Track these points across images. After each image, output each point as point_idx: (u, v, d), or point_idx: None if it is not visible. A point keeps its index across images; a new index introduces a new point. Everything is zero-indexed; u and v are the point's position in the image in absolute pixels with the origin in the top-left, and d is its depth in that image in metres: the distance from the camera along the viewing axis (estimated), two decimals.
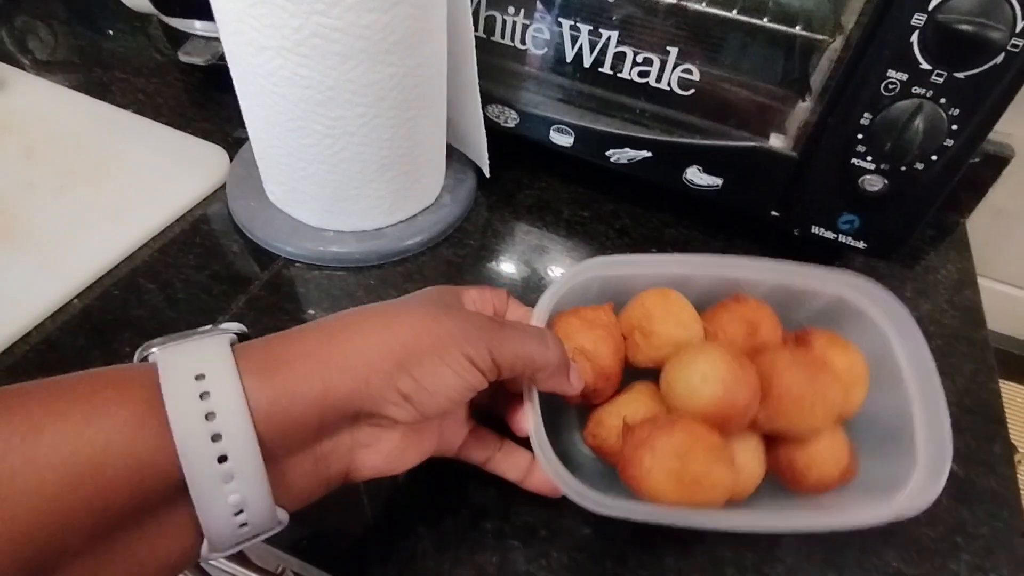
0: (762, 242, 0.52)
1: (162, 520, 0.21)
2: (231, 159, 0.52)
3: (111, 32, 0.69)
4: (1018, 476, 0.58)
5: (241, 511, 0.21)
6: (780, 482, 0.32)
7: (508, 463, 0.32)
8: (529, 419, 0.30)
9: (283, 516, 0.23)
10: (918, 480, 0.30)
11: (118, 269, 0.44)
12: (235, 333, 0.25)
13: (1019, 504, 0.38)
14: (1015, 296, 0.62)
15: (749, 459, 0.31)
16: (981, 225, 0.58)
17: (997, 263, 0.60)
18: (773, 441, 0.32)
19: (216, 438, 0.20)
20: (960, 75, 0.37)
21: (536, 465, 0.31)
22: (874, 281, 0.34)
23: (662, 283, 0.35)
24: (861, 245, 0.46)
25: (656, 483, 0.27)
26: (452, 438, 0.31)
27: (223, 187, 0.50)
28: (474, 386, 0.26)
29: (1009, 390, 0.64)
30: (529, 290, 0.47)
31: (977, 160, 0.54)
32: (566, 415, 0.37)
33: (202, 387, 0.21)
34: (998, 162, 0.54)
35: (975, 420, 0.42)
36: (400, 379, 0.24)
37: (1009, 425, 0.60)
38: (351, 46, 0.36)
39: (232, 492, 0.21)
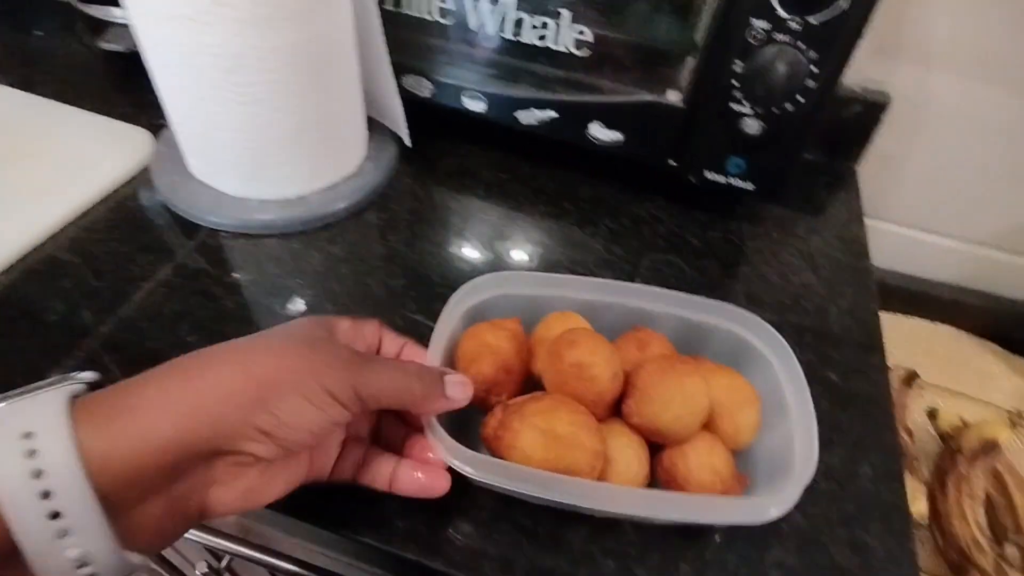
0: (666, 192, 0.56)
1: None
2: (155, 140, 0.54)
3: (40, 32, 0.69)
4: (915, 396, 0.63)
5: (85, 564, 0.21)
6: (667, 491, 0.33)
7: (374, 472, 0.31)
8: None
9: (137, 559, 0.23)
10: (787, 491, 0.30)
11: (43, 246, 0.45)
12: (87, 382, 0.25)
13: (890, 404, 0.43)
14: (903, 235, 0.67)
15: (625, 452, 0.32)
16: (871, 172, 0.64)
17: (887, 206, 0.65)
18: (659, 450, 0.33)
19: (46, 495, 0.20)
20: (814, 21, 0.41)
21: (402, 469, 0.31)
22: (763, 322, 0.36)
23: (571, 308, 0.37)
24: (750, 187, 0.50)
25: (524, 441, 0.30)
26: (323, 463, 0.31)
27: (148, 168, 0.52)
28: (336, 420, 0.26)
29: (895, 320, 0.69)
30: (453, 249, 0.49)
31: (859, 109, 0.59)
32: (475, 423, 0.36)
33: (29, 445, 0.21)
34: (877, 108, 0.58)
35: (856, 335, 0.47)
36: (258, 415, 0.24)
37: (901, 352, 0.65)
38: (252, 12, 0.38)
39: (70, 547, 0.21)
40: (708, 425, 0.33)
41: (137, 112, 0.57)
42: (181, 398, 0.24)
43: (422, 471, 0.31)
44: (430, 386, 0.29)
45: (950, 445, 0.59)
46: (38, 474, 0.20)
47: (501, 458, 0.30)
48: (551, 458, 0.29)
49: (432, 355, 0.33)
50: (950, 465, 0.57)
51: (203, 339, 0.41)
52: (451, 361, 0.35)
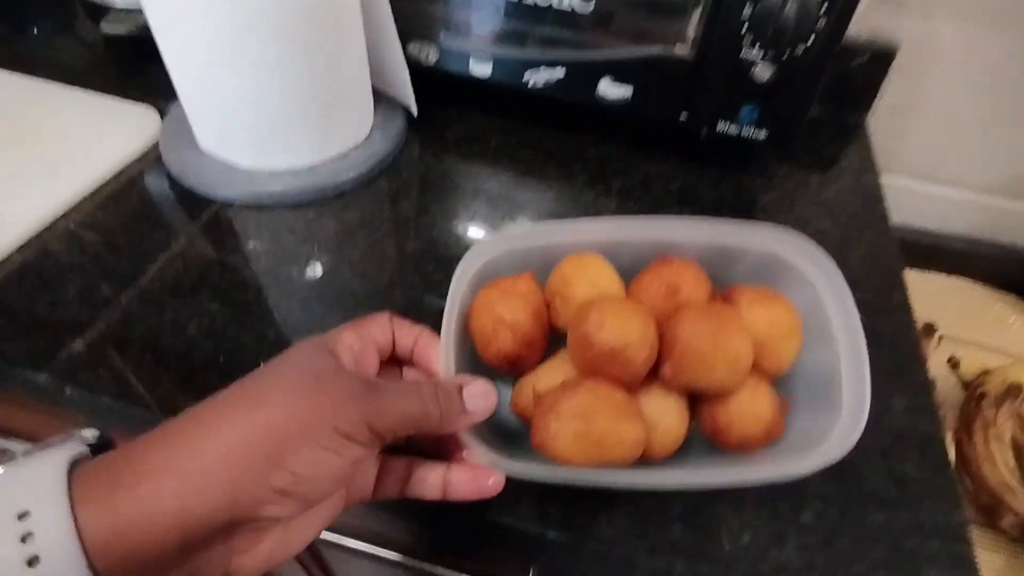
0: (676, 150, 0.55)
1: None
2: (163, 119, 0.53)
3: (36, 30, 0.68)
4: (934, 348, 0.63)
5: None
6: (709, 441, 0.32)
7: (425, 484, 0.29)
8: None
9: None
10: (840, 430, 0.30)
11: (56, 224, 0.45)
12: (90, 443, 0.23)
13: (916, 342, 0.42)
14: (914, 188, 0.67)
15: (665, 416, 0.30)
16: (880, 125, 0.63)
17: (897, 158, 0.65)
18: (698, 401, 0.32)
19: None
20: None
21: (453, 473, 0.29)
22: (803, 236, 0.34)
23: (589, 249, 0.35)
24: (763, 135, 0.49)
25: (563, 445, 0.28)
26: (362, 487, 0.29)
27: (157, 145, 0.51)
28: (357, 459, 0.24)
29: (909, 276, 0.69)
30: (465, 213, 0.49)
31: (867, 58, 0.59)
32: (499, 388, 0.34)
33: (25, 528, 0.19)
34: (885, 57, 0.58)
35: (877, 278, 0.46)
36: (273, 475, 0.22)
37: (916, 307, 0.65)
38: None
39: None
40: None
41: (143, 95, 0.56)
42: (185, 470, 0.21)
43: (474, 473, 0.29)
44: (448, 407, 0.27)
45: (974, 391, 0.58)
46: (33, 561, 0.19)
47: (534, 446, 0.29)
48: (593, 458, 0.28)
49: (445, 346, 0.30)
50: (975, 411, 0.57)
51: (225, 307, 0.40)
52: (466, 337, 0.33)
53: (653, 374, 0.31)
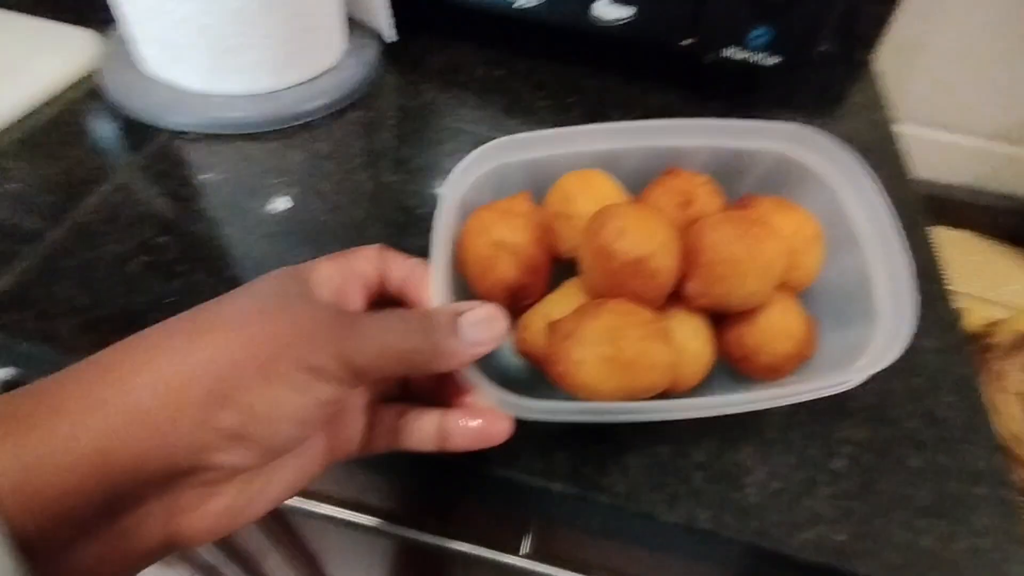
0: (678, 81, 0.51)
1: None
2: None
3: None
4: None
5: None
6: (735, 370, 0.29)
7: (420, 434, 0.25)
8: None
9: None
10: (877, 345, 0.26)
11: None
12: (4, 381, 0.19)
13: (941, 276, 0.39)
14: (917, 135, 0.63)
15: (691, 338, 0.27)
16: (886, 66, 0.60)
17: (900, 102, 0.61)
18: (721, 324, 0.28)
19: None
20: None
21: (450, 421, 0.24)
22: (821, 132, 0.30)
23: (587, 164, 0.31)
24: (774, 61, 0.45)
25: (589, 374, 0.24)
26: (347, 439, 0.24)
27: (97, 69, 0.45)
28: (330, 401, 0.20)
29: None
30: (449, 144, 0.44)
31: None
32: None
33: None
34: None
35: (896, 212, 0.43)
36: (219, 415, 0.18)
37: None
38: None
39: None
40: None
41: (81, 18, 0.50)
42: (104, 404, 0.17)
43: (477, 417, 0.24)
44: (443, 338, 0.22)
45: (981, 343, 0.56)
46: None
47: (553, 379, 0.25)
48: (624, 386, 0.24)
49: (436, 277, 0.25)
50: (982, 363, 0.54)
51: (174, 240, 0.35)
52: (461, 267, 0.29)
53: (674, 295, 0.27)
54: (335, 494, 0.42)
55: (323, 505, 0.41)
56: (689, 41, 0.46)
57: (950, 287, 0.61)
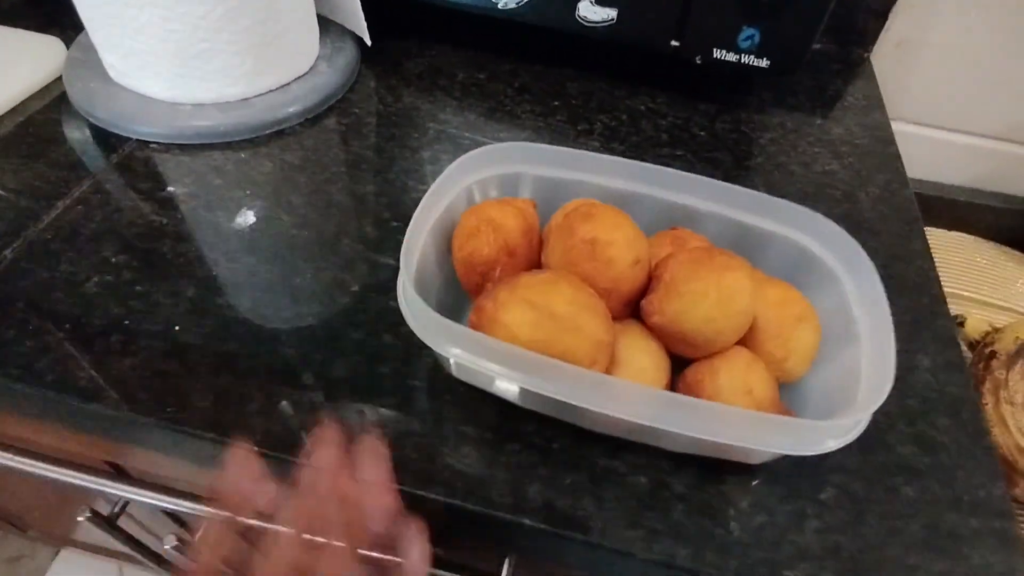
0: (666, 85, 0.49)
1: None
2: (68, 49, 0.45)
3: None
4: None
5: None
6: None
7: None
8: None
9: None
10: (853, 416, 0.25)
11: None
12: None
13: (939, 289, 0.37)
14: (916, 134, 0.61)
15: (639, 356, 0.26)
16: (883, 65, 0.58)
17: (900, 102, 0.59)
18: (682, 365, 0.28)
19: None
20: None
21: None
22: (841, 229, 0.29)
23: (599, 197, 0.31)
24: (764, 63, 0.43)
25: (512, 313, 0.24)
26: None
27: (61, 78, 0.44)
28: None
29: None
30: (429, 152, 0.42)
31: None
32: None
33: None
34: None
35: (893, 222, 0.41)
36: None
37: None
38: None
39: None
40: (751, 345, 0.27)
41: (47, 25, 0.48)
42: None
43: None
44: None
45: (982, 352, 0.54)
46: None
47: (476, 318, 0.25)
48: (540, 339, 0.23)
49: (414, 229, 0.27)
50: (984, 372, 0.53)
51: (134, 258, 0.33)
52: (445, 241, 0.31)
53: (635, 314, 0.27)
54: None
55: None
56: (676, 43, 0.44)
57: (948, 295, 0.59)
